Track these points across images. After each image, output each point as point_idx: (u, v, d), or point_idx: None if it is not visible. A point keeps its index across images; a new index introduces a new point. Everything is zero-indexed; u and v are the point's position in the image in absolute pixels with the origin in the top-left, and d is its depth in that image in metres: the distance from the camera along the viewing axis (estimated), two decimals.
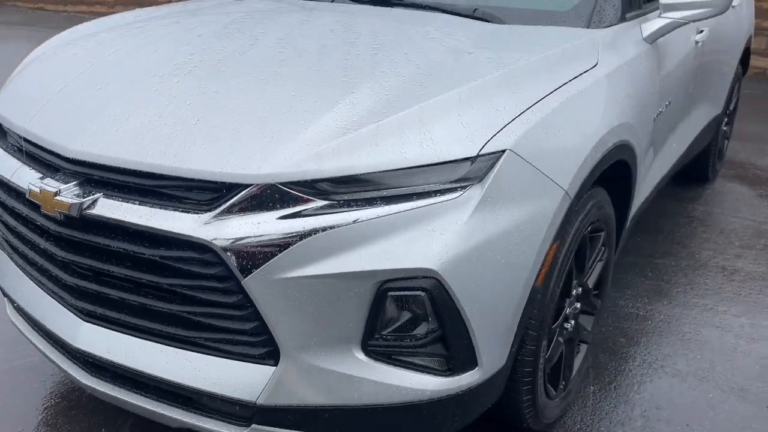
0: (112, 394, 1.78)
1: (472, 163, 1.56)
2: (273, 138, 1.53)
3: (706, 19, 2.43)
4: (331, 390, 1.59)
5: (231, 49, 1.94)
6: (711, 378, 2.50)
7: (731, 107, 4.48)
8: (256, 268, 1.48)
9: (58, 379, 2.40)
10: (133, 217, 1.56)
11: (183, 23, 2.26)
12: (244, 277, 1.49)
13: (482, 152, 1.57)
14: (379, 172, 1.52)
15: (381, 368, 1.60)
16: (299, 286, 1.50)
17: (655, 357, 2.62)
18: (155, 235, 1.54)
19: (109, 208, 1.59)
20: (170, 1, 3.05)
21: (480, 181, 1.56)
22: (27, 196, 1.70)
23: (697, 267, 3.35)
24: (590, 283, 2.24)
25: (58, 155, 1.69)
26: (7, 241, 2.00)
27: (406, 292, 1.53)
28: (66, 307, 1.81)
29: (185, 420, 1.71)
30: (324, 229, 1.48)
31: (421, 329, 1.58)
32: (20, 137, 1.84)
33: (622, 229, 2.46)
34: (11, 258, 2.01)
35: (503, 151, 1.59)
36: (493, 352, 1.69)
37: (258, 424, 1.64)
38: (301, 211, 1.50)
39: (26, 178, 1.75)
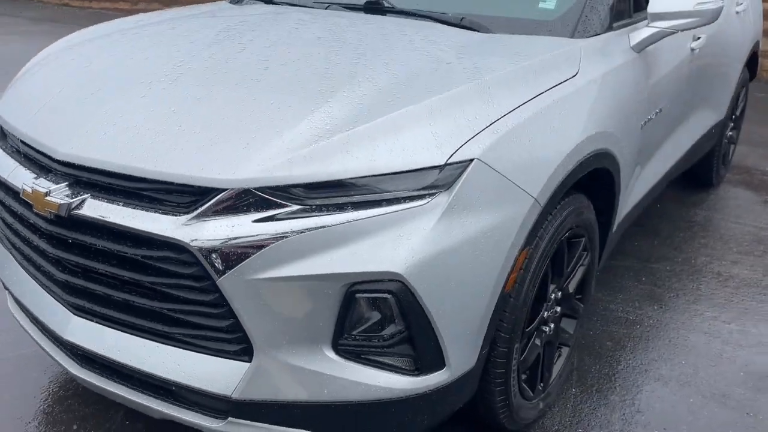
0: (99, 384, 1.87)
1: (440, 171, 1.62)
2: (249, 144, 1.60)
3: (694, 28, 2.46)
4: (302, 386, 1.66)
5: (219, 56, 2.02)
6: (693, 383, 2.53)
7: (737, 112, 4.47)
8: (231, 269, 1.55)
9: (58, 369, 2.50)
10: (116, 217, 1.64)
11: (178, 29, 2.34)
12: (219, 277, 1.56)
13: (450, 161, 1.62)
14: (350, 178, 1.58)
15: (351, 366, 1.66)
16: (272, 287, 1.57)
17: (640, 361, 2.65)
18: (137, 235, 1.62)
19: (95, 208, 1.68)
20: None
21: (448, 189, 1.62)
22: (21, 195, 1.79)
23: (692, 272, 3.36)
24: (571, 287, 2.29)
25: (49, 157, 1.78)
26: (6, 236, 2.10)
27: (374, 294, 1.60)
28: (58, 301, 1.90)
29: (166, 411, 1.79)
30: (296, 233, 1.55)
31: (388, 330, 1.64)
32: (17, 139, 1.94)
33: (607, 235, 2.49)
34: (10, 253, 2.11)
35: (471, 160, 1.64)
36: (461, 353, 1.75)
37: (234, 417, 1.71)
38: (274, 215, 1.57)
39: (21, 178, 1.84)
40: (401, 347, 1.66)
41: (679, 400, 2.44)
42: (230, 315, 1.61)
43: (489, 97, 1.79)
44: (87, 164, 1.70)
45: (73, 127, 1.79)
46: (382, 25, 2.31)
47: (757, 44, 4.33)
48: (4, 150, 2.02)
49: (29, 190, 1.74)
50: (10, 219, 1.99)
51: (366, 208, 1.58)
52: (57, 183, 1.74)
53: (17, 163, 1.92)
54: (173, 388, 1.75)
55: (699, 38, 3.10)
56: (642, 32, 2.46)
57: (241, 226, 1.55)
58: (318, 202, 1.59)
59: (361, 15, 2.49)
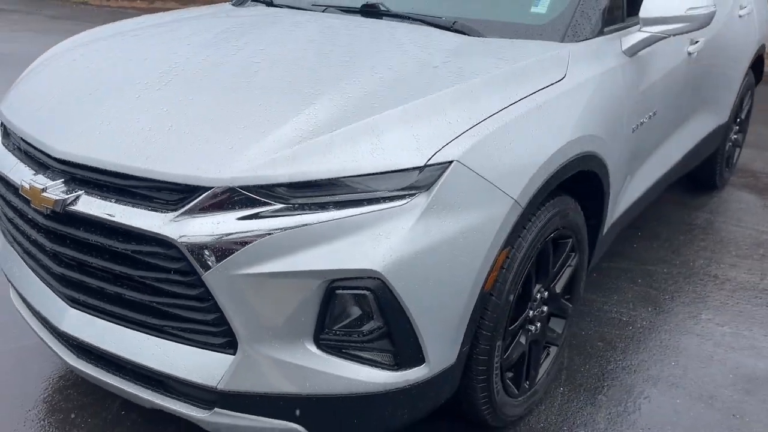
0: (94, 375, 1.94)
1: (420, 172, 1.67)
2: (235, 145, 1.66)
3: (686, 33, 2.48)
4: (285, 379, 1.72)
5: (213, 58, 2.08)
6: (681, 384, 2.56)
7: (742, 116, 4.47)
8: (215, 264, 1.61)
9: (58, 360, 2.57)
10: (108, 213, 1.70)
11: (178, 32, 2.41)
12: (205, 272, 1.62)
13: (430, 162, 1.67)
14: (331, 178, 1.64)
15: (332, 361, 1.72)
16: (255, 282, 1.62)
17: (630, 362, 2.68)
18: (127, 231, 1.69)
19: (89, 204, 1.74)
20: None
21: (427, 190, 1.67)
22: (20, 191, 1.86)
23: (689, 275, 3.38)
24: (558, 287, 2.32)
25: (47, 155, 1.85)
26: (8, 231, 2.18)
27: (354, 291, 1.65)
28: (55, 293, 1.98)
29: (156, 401, 1.85)
30: (279, 231, 1.60)
31: (368, 326, 1.69)
32: (18, 137, 2.01)
33: (597, 237, 2.52)
34: (12, 247, 2.19)
35: (450, 162, 1.69)
36: (440, 349, 1.79)
37: (220, 408, 1.77)
38: (258, 213, 1.62)
39: (21, 174, 1.91)
40: (381, 343, 1.71)
41: (666, 400, 2.47)
42: (215, 309, 1.67)
43: (471, 100, 1.84)
44: (82, 162, 1.76)
45: (70, 126, 1.86)
46: (375, 29, 2.36)
47: (762, 47, 4.32)
48: (6, 147, 2.10)
49: (27, 186, 1.82)
50: (11, 214, 2.07)
51: (347, 208, 1.63)
52: (54, 180, 1.81)
53: (18, 160, 1.99)
54: (163, 379, 1.82)
55: (697, 42, 3.12)
56: (634, 37, 2.48)
57: (226, 224, 1.61)
58: (301, 201, 1.64)
59: (356, 18, 2.55)
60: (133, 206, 1.69)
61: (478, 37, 2.31)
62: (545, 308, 2.28)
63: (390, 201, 1.65)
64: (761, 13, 4.21)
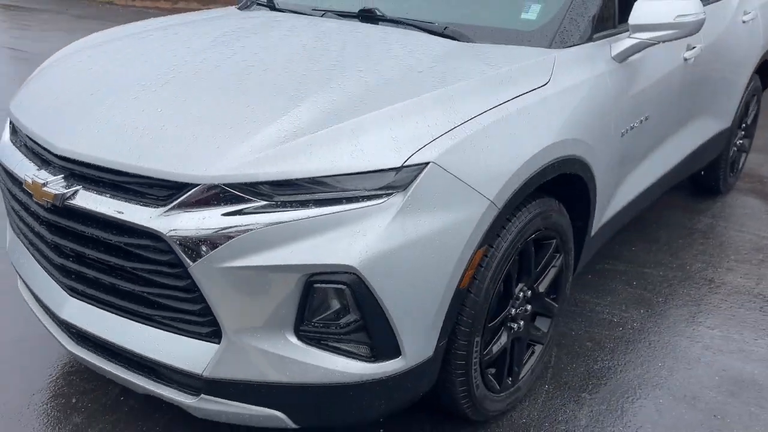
0: (91, 361, 2.05)
1: (397, 173, 1.74)
2: (221, 144, 1.75)
3: (675, 39, 2.53)
4: (267, 368, 1.81)
5: (210, 61, 2.18)
6: (666, 385, 2.60)
7: (748, 120, 4.47)
8: (201, 257, 1.70)
9: (61, 346, 2.69)
10: (103, 207, 1.81)
11: (180, 35, 2.51)
12: (192, 264, 1.71)
13: (406, 163, 1.75)
14: (312, 177, 1.72)
15: (312, 351, 1.80)
16: (238, 275, 1.71)
17: (617, 362, 2.73)
18: (120, 224, 1.79)
19: (86, 199, 1.85)
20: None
21: (403, 190, 1.74)
22: (24, 185, 1.98)
23: (685, 278, 3.41)
24: (542, 287, 2.38)
25: (49, 151, 1.96)
26: (15, 223, 2.30)
27: (331, 285, 1.73)
28: (57, 283, 2.09)
29: (148, 387, 1.96)
30: (261, 226, 1.69)
31: (345, 319, 1.78)
32: (25, 134, 2.13)
33: (584, 239, 2.58)
34: (19, 238, 2.31)
35: (427, 163, 1.77)
36: (417, 343, 1.87)
37: (206, 394, 1.87)
38: (242, 209, 1.71)
39: (25, 169, 2.02)
40: (358, 335, 1.80)
41: (649, 400, 2.51)
42: (201, 300, 1.76)
43: (451, 104, 1.91)
44: (80, 159, 1.87)
45: (71, 125, 1.97)
46: (368, 34, 2.44)
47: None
48: (14, 144, 2.21)
49: (30, 180, 1.93)
50: (17, 207, 2.18)
51: (326, 206, 1.72)
52: (55, 175, 1.92)
53: (24, 156, 2.11)
54: (154, 366, 1.92)
55: (694, 48, 3.15)
56: (623, 43, 2.53)
57: (212, 219, 1.70)
58: (283, 198, 1.73)
59: (352, 23, 2.62)
60: (126, 201, 1.79)
61: (468, 42, 2.37)
62: (529, 307, 2.34)
63: (367, 200, 1.73)
64: (767, 18, 4.21)
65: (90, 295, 1.98)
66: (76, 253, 1.95)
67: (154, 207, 1.75)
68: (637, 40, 2.51)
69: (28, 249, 2.24)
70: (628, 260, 3.58)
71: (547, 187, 2.18)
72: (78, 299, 2.02)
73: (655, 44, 2.55)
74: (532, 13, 2.48)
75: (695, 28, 2.50)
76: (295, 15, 2.82)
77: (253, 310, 1.76)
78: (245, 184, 1.71)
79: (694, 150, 3.57)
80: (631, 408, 2.47)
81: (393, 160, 1.74)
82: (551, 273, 2.41)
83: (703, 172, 4.12)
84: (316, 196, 1.73)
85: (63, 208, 1.89)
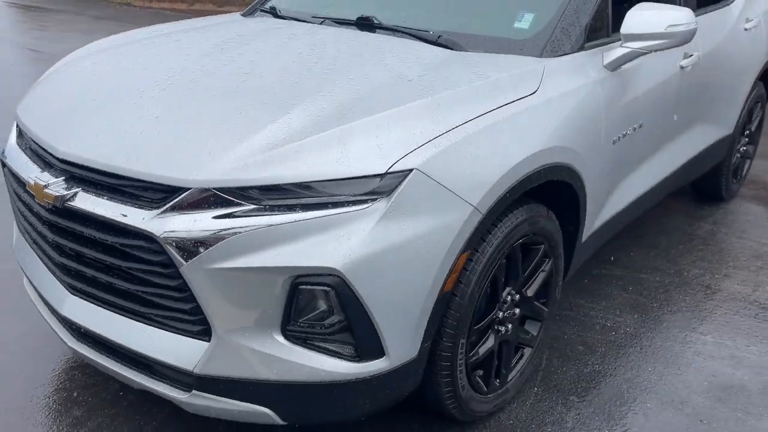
0: (90, 356, 2.13)
1: (381, 179, 1.80)
2: (213, 150, 1.82)
3: (667, 49, 2.57)
4: (255, 366, 1.87)
5: (207, 68, 2.25)
6: (655, 389, 2.63)
7: (752, 127, 4.48)
8: (192, 258, 1.77)
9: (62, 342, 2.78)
10: (101, 209, 1.89)
11: (182, 42, 2.59)
12: (183, 265, 1.78)
13: (391, 170, 1.81)
14: (299, 182, 1.79)
15: (298, 351, 1.87)
16: (227, 276, 1.78)
17: (607, 366, 2.77)
18: (116, 225, 1.86)
19: (85, 201, 1.93)
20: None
21: (387, 195, 1.80)
22: (27, 187, 2.06)
23: (681, 284, 3.44)
24: (530, 291, 2.43)
25: (51, 154, 2.04)
26: (20, 223, 2.38)
27: (316, 287, 1.80)
28: (58, 281, 2.17)
29: (142, 383, 2.03)
30: (249, 229, 1.76)
31: (330, 319, 1.84)
32: (29, 137, 2.21)
33: (574, 245, 2.62)
34: (24, 237, 2.40)
35: (411, 170, 1.82)
36: (401, 344, 1.93)
37: (197, 390, 1.94)
38: (232, 213, 1.78)
39: (29, 171, 2.11)
40: (342, 335, 1.86)
41: (637, 404, 2.55)
42: (192, 299, 1.83)
43: (438, 112, 1.96)
44: (80, 162, 1.95)
45: (73, 129, 2.05)
46: (364, 42, 2.50)
47: None
48: (20, 147, 2.30)
49: (32, 182, 2.01)
50: (22, 207, 2.27)
51: (313, 210, 1.78)
52: (56, 177, 2.00)
53: (28, 159, 2.19)
54: (149, 362, 1.99)
55: (691, 56, 3.18)
56: (615, 52, 2.57)
57: (202, 221, 1.77)
58: (271, 202, 1.79)
59: (350, 31, 2.68)
60: (122, 203, 1.87)
61: (460, 51, 2.43)
62: (517, 310, 2.39)
63: (352, 205, 1.79)
64: None
65: (89, 293, 2.06)
66: (75, 252, 2.03)
67: (149, 209, 1.83)
68: (629, 49, 2.55)
69: (32, 248, 2.33)
70: (625, 265, 3.61)
71: (536, 193, 2.23)
72: (78, 297, 2.10)
73: (647, 53, 2.59)
74: (524, 23, 2.53)
75: (686, 37, 2.54)
76: (296, 22, 2.88)
77: (241, 309, 1.83)
78: (235, 188, 1.78)
79: (693, 156, 3.60)
80: (618, 411, 2.51)
81: (378, 166, 1.80)
82: (540, 277, 2.45)
83: (704, 179, 4.13)
84: (303, 201, 1.79)
85: (63, 209, 1.97)
